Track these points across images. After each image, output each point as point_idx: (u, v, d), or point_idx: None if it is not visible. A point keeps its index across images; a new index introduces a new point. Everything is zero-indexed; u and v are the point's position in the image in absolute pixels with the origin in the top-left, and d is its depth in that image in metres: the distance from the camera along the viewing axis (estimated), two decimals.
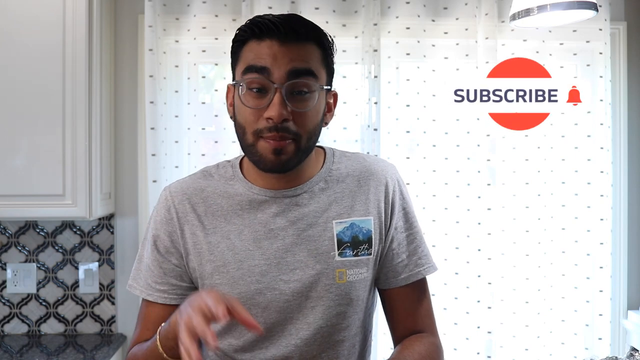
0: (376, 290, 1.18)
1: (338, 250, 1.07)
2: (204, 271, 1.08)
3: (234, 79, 1.07)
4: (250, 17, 1.08)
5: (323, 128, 1.10)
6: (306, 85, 1.01)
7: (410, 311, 1.14)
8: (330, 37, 1.09)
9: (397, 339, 1.16)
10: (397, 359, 1.05)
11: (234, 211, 1.09)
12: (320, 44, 1.05)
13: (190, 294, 1.09)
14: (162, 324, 1.00)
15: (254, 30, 1.01)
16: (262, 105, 1.00)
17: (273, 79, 0.99)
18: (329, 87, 1.09)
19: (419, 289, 1.15)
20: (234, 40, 1.06)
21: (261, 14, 1.05)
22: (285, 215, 1.08)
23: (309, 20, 1.06)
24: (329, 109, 1.11)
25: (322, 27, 1.09)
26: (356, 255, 1.08)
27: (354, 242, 1.08)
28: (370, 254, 1.09)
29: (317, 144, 1.17)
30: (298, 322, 1.07)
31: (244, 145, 1.05)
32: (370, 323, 1.18)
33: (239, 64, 1.04)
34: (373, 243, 1.09)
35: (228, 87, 1.10)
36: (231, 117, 1.09)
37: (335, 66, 1.14)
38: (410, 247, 1.14)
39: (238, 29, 1.05)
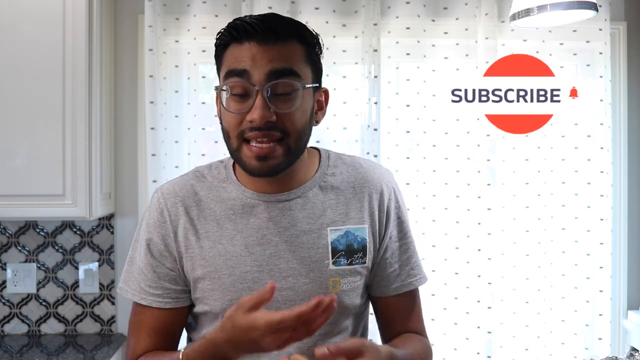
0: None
1: (332, 259, 1.05)
2: (195, 276, 1.06)
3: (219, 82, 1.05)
4: None
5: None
6: (288, 85, 0.98)
7: (402, 318, 1.14)
8: (314, 32, 1.05)
9: (386, 342, 1.15)
10: (396, 344, 1.04)
11: (227, 216, 1.07)
12: (302, 40, 1.01)
13: (184, 296, 1.09)
14: (185, 347, 0.99)
15: (232, 34, 0.99)
16: (245, 109, 0.97)
17: (253, 81, 0.96)
18: (317, 85, 1.06)
19: (411, 297, 1.15)
20: (215, 45, 1.04)
21: (241, 16, 1.03)
22: (278, 221, 1.05)
23: (289, 18, 1.03)
24: (320, 107, 1.08)
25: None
26: (350, 264, 1.06)
27: (349, 251, 1.06)
28: (365, 262, 1.08)
29: (314, 146, 1.15)
30: None
31: (230, 151, 1.04)
32: (366, 326, 1.17)
33: (222, 69, 1.03)
34: (367, 252, 1.08)
35: (216, 95, 1.07)
36: (220, 123, 1.07)
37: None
38: (403, 257, 1.13)
39: (218, 33, 1.03)
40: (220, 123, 1.05)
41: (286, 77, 0.97)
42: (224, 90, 1.00)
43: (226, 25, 1.02)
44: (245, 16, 1.02)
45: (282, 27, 0.99)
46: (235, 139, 1.00)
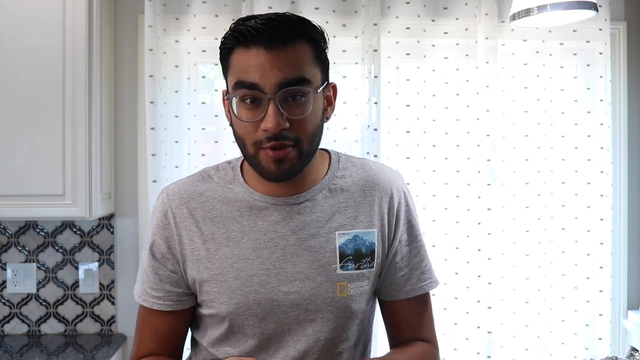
0: (375, 297, 1.16)
1: (340, 263, 1.04)
2: (201, 278, 1.05)
3: (226, 86, 1.03)
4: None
5: (324, 124, 1.07)
6: (300, 91, 0.96)
7: (411, 323, 1.13)
8: (320, 28, 1.03)
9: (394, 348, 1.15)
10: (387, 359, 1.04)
11: (234, 217, 1.05)
12: (310, 39, 0.99)
13: (185, 299, 1.08)
14: None
15: (238, 38, 0.97)
16: (258, 117, 0.96)
17: (265, 91, 0.95)
18: (326, 82, 1.04)
19: (422, 302, 1.13)
20: (220, 48, 1.02)
21: (244, 17, 1.00)
22: (286, 224, 1.04)
23: (295, 17, 1.00)
24: (329, 103, 1.07)
25: (322, 27, 1.05)
26: (358, 268, 1.05)
27: (357, 255, 1.05)
28: (373, 267, 1.06)
29: (324, 148, 1.14)
30: (296, 334, 1.04)
31: (245, 156, 1.02)
32: (370, 331, 1.16)
33: (229, 74, 1.00)
34: (376, 256, 1.06)
35: (223, 93, 1.06)
36: (230, 125, 1.05)
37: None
38: (414, 261, 1.12)
39: (223, 37, 1.00)
40: (232, 127, 1.03)
41: (297, 85, 0.96)
42: (234, 97, 0.98)
43: (230, 28, 0.99)
44: (250, 17, 0.99)
45: (289, 29, 0.96)
46: (251, 146, 0.99)
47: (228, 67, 1.01)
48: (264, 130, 0.95)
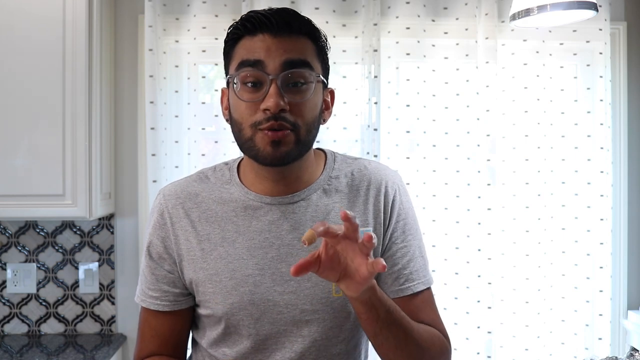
0: None
1: None
2: (197, 279, 1.05)
3: (227, 82, 1.03)
4: None
5: (323, 128, 1.07)
6: (302, 75, 0.98)
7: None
8: (323, 33, 1.06)
9: None
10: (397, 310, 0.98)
11: (229, 218, 1.05)
12: (313, 38, 1.02)
13: (182, 299, 1.08)
14: None
15: (246, 26, 0.99)
16: (258, 98, 0.96)
17: (268, 70, 0.96)
18: (326, 82, 1.06)
19: (416, 301, 1.08)
20: (226, 40, 1.03)
21: (253, 10, 1.02)
22: (281, 224, 1.04)
23: (302, 15, 1.03)
24: (327, 107, 1.08)
25: (322, 27, 1.06)
26: None
27: None
28: None
29: (319, 147, 1.14)
30: (292, 335, 1.03)
31: (241, 142, 1.01)
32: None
33: (233, 61, 1.01)
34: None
35: (222, 91, 1.07)
36: (227, 120, 1.06)
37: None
38: (403, 261, 1.08)
39: (230, 27, 1.02)
40: (229, 118, 1.04)
41: (300, 67, 0.97)
42: (235, 82, 0.99)
43: (239, 19, 1.02)
44: (258, 10, 1.01)
45: (295, 22, 1.00)
46: (248, 128, 0.98)
47: (232, 56, 1.02)
48: (263, 111, 0.96)
